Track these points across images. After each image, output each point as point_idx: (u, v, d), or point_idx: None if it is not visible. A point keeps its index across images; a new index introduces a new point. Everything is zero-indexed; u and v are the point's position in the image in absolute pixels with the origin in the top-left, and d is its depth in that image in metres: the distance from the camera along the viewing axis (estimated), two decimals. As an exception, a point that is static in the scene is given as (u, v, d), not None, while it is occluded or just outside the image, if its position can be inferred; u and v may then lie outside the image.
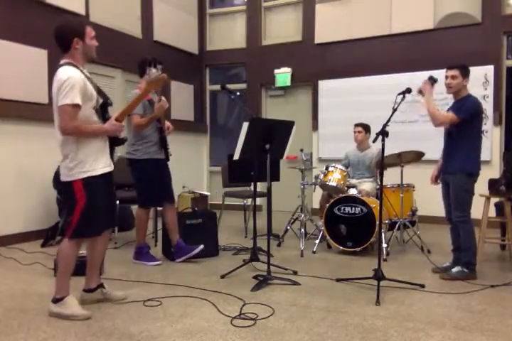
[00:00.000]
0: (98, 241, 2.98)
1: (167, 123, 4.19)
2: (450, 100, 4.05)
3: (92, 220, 2.80)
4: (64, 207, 2.84)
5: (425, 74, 6.18)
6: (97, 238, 2.94)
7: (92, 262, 3.04)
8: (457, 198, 3.59)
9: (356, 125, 5.25)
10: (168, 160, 4.19)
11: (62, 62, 2.78)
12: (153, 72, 3.42)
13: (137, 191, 4.24)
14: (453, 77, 3.64)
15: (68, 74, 2.67)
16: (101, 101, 2.87)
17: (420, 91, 3.73)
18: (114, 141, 2.96)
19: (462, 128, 3.56)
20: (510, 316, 2.85)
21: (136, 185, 4.22)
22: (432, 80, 3.71)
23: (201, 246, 4.09)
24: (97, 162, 2.81)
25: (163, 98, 3.86)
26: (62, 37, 2.75)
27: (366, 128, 5.21)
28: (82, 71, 2.79)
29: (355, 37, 6.83)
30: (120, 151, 6.60)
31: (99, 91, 2.88)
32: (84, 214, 2.76)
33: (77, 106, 2.67)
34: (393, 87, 3.66)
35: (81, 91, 2.68)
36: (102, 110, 2.89)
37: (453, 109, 3.67)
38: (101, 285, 3.08)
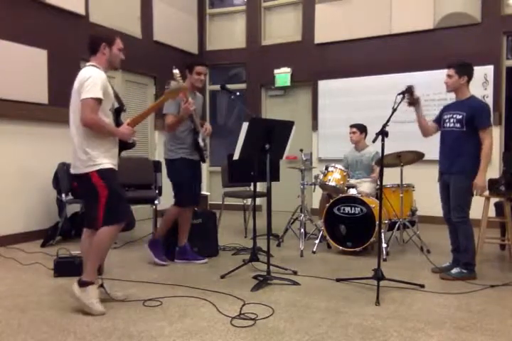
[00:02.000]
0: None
1: (206, 125, 4.15)
2: (450, 100, 4.05)
3: (119, 205, 2.96)
4: (83, 200, 2.95)
5: (425, 74, 6.27)
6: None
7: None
8: (457, 199, 3.58)
9: (351, 126, 5.28)
10: (203, 161, 4.17)
11: (87, 64, 3.00)
12: (174, 83, 3.51)
13: (173, 191, 4.18)
14: (449, 76, 3.63)
15: (91, 72, 2.86)
16: (116, 105, 3.04)
17: (411, 103, 3.65)
18: (124, 146, 3.12)
19: (471, 130, 3.54)
20: (510, 316, 2.85)
21: (172, 186, 4.16)
22: (408, 92, 3.56)
23: (205, 260, 4.13)
24: (108, 158, 2.95)
25: (190, 99, 3.80)
26: (93, 40, 2.99)
27: (361, 128, 5.22)
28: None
29: (355, 37, 6.83)
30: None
31: (117, 96, 3.07)
32: (110, 201, 2.90)
33: (99, 101, 2.83)
34: (393, 87, 3.65)
35: (103, 89, 2.85)
36: (116, 115, 3.06)
37: (455, 109, 3.64)
38: (101, 285, 3.08)
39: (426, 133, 3.90)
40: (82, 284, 2.88)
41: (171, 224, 4.16)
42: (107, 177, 2.91)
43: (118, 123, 3.08)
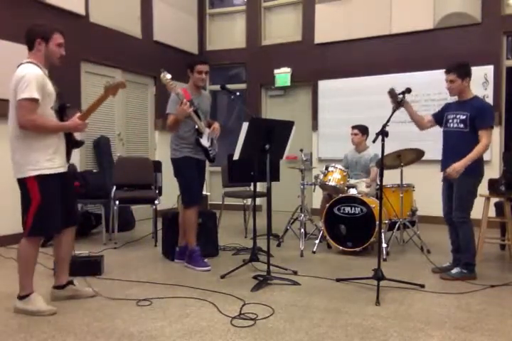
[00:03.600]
0: (62, 240, 3.03)
1: (214, 125, 4.11)
2: (450, 100, 4.05)
3: (48, 219, 2.82)
4: (21, 204, 2.90)
5: (425, 74, 6.27)
6: (60, 236, 3.00)
7: (59, 259, 3.09)
8: (460, 199, 3.57)
9: (353, 127, 5.28)
10: (211, 161, 4.14)
11: (24, 61, 2.85)
12: (115, 78, 3.43)
13: (180, 191, 4.11)
14: (451, 81, 3.60)
15: (26, 70, 2.73)
16: (58, 103, 2.91)
17: (397, 106, 3.55)
18: (72, 143, 3.01)
19: (475, 131, 3.52)
20: (510, 316, 2.85)
21: (178, 185, 4.09)
22: (397, 95, 3.54)
23: (208, 268, 3.90)
24: (51, 161, 2.83)
25: (184, 100, 3.76)
26: (27, 35, 2.85)
27: (363, 130, 5.22)
28: (42, 71, 2.83)
29: (355, 37, 6.83)
30: (120, 151, 6.64)
31: (59, 94, 2.92)
32: (40, 212, 2.79)
33: (35, 101, 2.70)
34: (393, 86, 3.64)
35: (39, 87, 2.71)
36: (61, 113, 2.93)
37: (459, 109, 3.62)
38: (71, 282, 3.12)
39: (421, 127, 3.92)
40: (22, 298, 2.88)
41: (194, 228, 4.02)
42: (44, 184, 2.78)
43: (63, 120, 2.94)
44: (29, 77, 2.69)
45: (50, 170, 2.81)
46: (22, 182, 2.81)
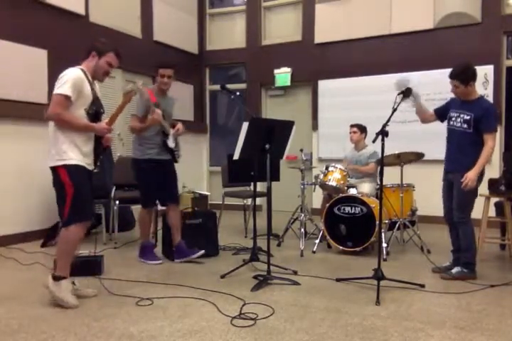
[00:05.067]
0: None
1: (177, 125, 4.17)
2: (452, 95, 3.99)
3: (84, 204, 3.01)
4: (56, 194, 3.04)
5: (425, 74, 6.27)
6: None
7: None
8: (461, 199, 3.57)
9: (351, 126, 5.29)
10: (175, 161, 4.22)
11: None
12: (130, 85, 3.49)
13: (139, 191, 4.26)
14: (455, 87, 3.57)
15: (68, 71, 2.97)
16: (94, 108, 3.08)
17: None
18: (100, 149, 3.21)
19: (478, 132, 3.52)
20: (510, 316, 2.85)
21: (138, 186, 4.26)
22: (405, 93, 3.49)
23: (202, 252, 4.12)
24: (79, 155, 3.02)
25: (157, 110, 3.86)
26: (89, 46, 3.14)
27: (361, 128, 5.24)
28: (87, 77, 3.04)
29: (355, 37, 6.83)
30: (120, 151, 6.64)
31: (97, 99, 3.12)
32: (76, 198, 2.96)
33: (67, 98, 2.91)
34: (393, 86, 3.64)
35: (76, 88, 2.93)
36: (95, 117, 3.11)
37: (464, 108, 3.59)
38: (72, 283, 3.12)
39: (424, 120, 3.93)
40: (56, 278, 2.98)
41: (145, 227, 4.26)
42: (74, 174, 2.97)
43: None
44: (68, 76, 2.93)
45: (77, 161, 2.99)
46: (56, 173, 3.01)
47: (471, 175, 3.44)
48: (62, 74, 2.96)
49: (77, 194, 2.96)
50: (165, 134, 4.06)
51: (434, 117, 3.86)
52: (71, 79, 2.92)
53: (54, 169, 3.01)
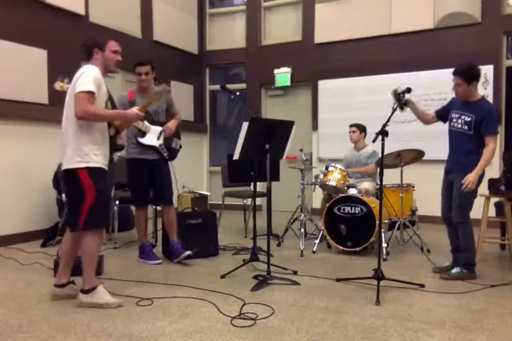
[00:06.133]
0: (73, 239, 3.04)
1: (167, 124, 4.13)
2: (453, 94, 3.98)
3: (105, 209, 2.99)
4: (67, 198, 2.97)
5: (425, 74, 6.27)
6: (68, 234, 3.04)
7: (67, 258, 3.09)
8: (460, 199, 3.56)
9: (351, 125, 5.30)
10: (169, 159, 4.19)
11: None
12: (162, 86, 3.73)
13: None
14: (457, 85, 3.55)
15: (86, 68, 2.92)
16: (110, 106, 3.11)
17: (402, 107, 3.55)
18: (114, 147, 3.20)
19: (479, 134, 3.51)
20: (510, 316, 2.85)
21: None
22: (400, 93, 3.50)
23: (188, 253, 4.01)
24: (99, 156, 2.95)
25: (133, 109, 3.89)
26: (85, 49, 3.07)
27: (360, 128, 5.25)
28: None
29: (355, 37, 6.83)
30: (120, 151, 6.60)
31: (110, 98, 3.15)
32: (97, 203, 2.88)
33: (92, 94, 2.86)
34: (393, 86, 3.63)
35: (97, 84, 2.89)
36: None
37: (465, 110, 3.58)
38: (71, 282, 3.13)
39: (425, 123, 3.93)
40: (88, 291, 2.94)
41: (141, 227, 4.27)
42: (97, 177, 2.90)
43: (110, 125, 3.13)
44: (88, 73, 2.88)
45: (101, 164, 2.95)
46: (75, 175, 2.88)
47: (471, 178, 3.44)
48: (81, 71, 2.90)
49: (99, 200, 2.88)
50: (141, 131, 3.99)
51: (435, 119, 3.86)
52: (91, 75, 2.88)
53: (73, 171, 2.88)
